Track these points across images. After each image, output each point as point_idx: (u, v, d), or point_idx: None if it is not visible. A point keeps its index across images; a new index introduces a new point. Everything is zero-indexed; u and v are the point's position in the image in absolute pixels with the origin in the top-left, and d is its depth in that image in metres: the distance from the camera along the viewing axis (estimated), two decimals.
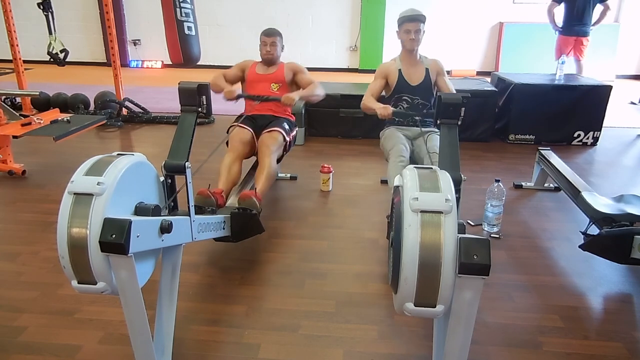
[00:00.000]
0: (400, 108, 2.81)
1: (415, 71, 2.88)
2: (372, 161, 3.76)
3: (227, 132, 2.81)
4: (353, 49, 8.29)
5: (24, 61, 5.14)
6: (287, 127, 2.88)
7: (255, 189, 2.50)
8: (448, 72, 4.36)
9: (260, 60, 3.01)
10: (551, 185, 3.23)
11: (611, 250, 2.02)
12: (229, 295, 2.05)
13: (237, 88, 2.84)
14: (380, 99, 2.84)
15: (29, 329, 1.80)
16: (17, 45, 4.94)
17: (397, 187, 1.44)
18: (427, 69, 2.85)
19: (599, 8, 5.08)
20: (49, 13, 4.39)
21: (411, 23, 2.75)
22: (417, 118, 2.65)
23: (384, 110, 2.62)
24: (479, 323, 1.67)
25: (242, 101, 2.92)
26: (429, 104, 2.84)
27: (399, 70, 2.88)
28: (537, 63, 7.45)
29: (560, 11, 5.22)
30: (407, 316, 1.34)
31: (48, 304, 1.96)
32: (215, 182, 2.53)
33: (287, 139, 2.84)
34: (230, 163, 2.63)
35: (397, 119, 2.85)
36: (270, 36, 2.94)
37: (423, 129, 2.79)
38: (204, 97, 1.81)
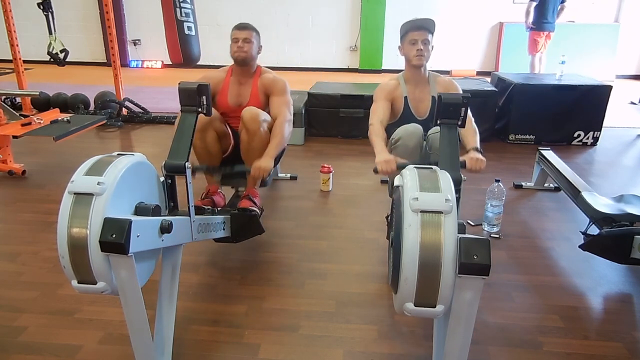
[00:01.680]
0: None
1: (423, 98, 2.41)
2: (372, 161, 3.72)
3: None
4: (353, 49, 8.29)
5: (24, 61, 5.14)
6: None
7: (249, 194, 2.48)
8: (448, 72, 4.36)
9: (232, 65, 2.58)
10: (551, 185, 3.23)
11: (611, 250, 2.02)
12: (229, 295, 2.05)
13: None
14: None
15: (29, 329, 1.80)
16: (17, 45, 4.94)
17: (397, 187, 1.44)
18: (433, 98, 2.33)
19: (561, 7, 5.93)
20: (49, 13, 4.39)
21: (417, 32, 2.30)
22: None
23: (386, 165, 2.06)
24: (479, 323, 1.67)
25: None
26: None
27: (405, 97, 2.41)
28: None
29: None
30: (407, 316, 1.34)
31: (48, 304, 1.96)
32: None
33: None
34: (204, 138, 2.35)
35: None
36: (243, 30, 2.48)
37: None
38: (204, 97, 1.81)
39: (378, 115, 2.35)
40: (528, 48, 6.20)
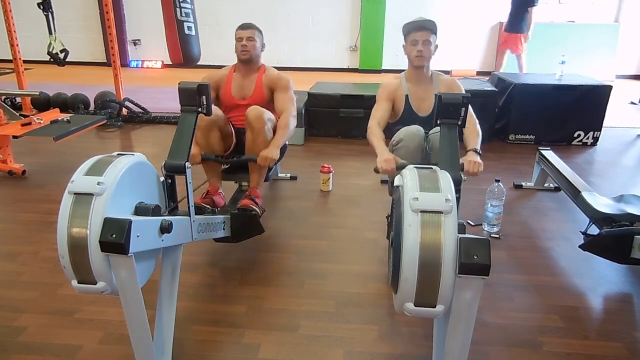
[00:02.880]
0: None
1: (425, 97, 2.41)
2: (372, 161, 3.72)
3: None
4: (353, 49, 8.29)
5: (24, 61, 5.14)
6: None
7: (250, 194, 2.48)
8: (448, 72, 4.36)
9: (236, 62, 2.63)
10: (551, 185, 3.23)
11: (611, 250, 2.02)
12: (229, 295, 2.05)
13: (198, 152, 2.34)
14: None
15: (29, 329, 1.80)
16: (17, 45, 4.94)
17: (397, 187, 1.44)
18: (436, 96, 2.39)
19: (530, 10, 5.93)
20: (49, 13, 4.39)
21: (419, 32, 2.31)
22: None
23: (386, 164, 2.07)
24: (479, 323, 1.66)
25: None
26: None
27: (406, 96, 2.43)
28: (537, 63, 7.46)
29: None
30: (407, 316, 1.34)
31: (48, 304, 1.96)
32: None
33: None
34: (208, 137, 2.37)
35: None
36: (247, 29, 2.56)
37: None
38: (204, 97, 1.81)
39: (376, 117, 2.37)
40: (513, 49, 6.28)
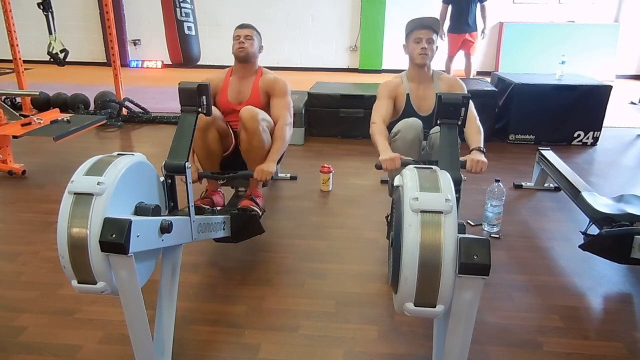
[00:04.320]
0: None
1: (426, 96, 2.41)
2: (372, 161, 3.73)
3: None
4: (353, 49, 8.29)
5: (24, 61, 5.15)
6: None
7: (251, 194, 2.48)
8: (447, 72, 4.36)
9: (233, 65, 2.64)
10: (551, 185, 3.23)
11: (611, 250, 2.02)
12: (229, 295, 2.05)
13: (198, 167, 2.40)
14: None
15: (29, 329, 1.80)
16: (17, 45, 4.94)
17: (397, 187, 1.44)
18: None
19: (480, 7, 5.68)
20: (49, 13, 4.39)
21: (422, 30, 2.32)
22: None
23: (391, 163, 2.05)
24: (479, 323, 1.66)
25: None
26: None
27: (407, 95, 2.43)
28: (537, 63, 7.47)
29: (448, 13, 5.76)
30: (407, 316, 1.34)
31: (48, 304, 1.96)
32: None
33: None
34: (205, 137, 2.36)
35: None
36: (245, 28, 2.57)
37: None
38: (204, 97, 1.81)
39: (380, 113, 2.35)
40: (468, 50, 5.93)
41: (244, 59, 2.56)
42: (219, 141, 2.44)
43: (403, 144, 2.24)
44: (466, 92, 2.26)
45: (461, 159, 1.92)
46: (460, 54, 5.92)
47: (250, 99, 2.56)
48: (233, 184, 2.68)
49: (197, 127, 2.18)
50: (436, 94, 1.80)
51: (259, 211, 2.42)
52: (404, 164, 2.01)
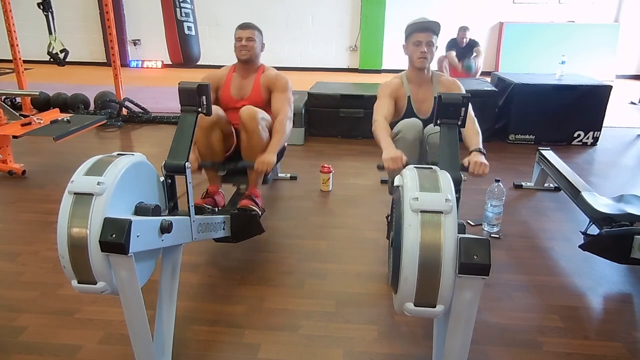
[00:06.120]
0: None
1: (426, 98, 2.41)
2: (372, 161, 3.75)
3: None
4: (353, 49, 8.29)
5: (24, 61, 5.15)
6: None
7: (251, 194, 2.48)
8: (440, 71, 4.36)
9: (236, 62, 2.63)
10: (551, 185, 3.23)
11: (611, 250, 2.02)
12: (229, 295, 2.05)
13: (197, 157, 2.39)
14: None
15: (29, 329, 1.80)
16: (17, 45, 4.94)
17: (397, 187, 1.44)
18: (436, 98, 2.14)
19: (476, 50, 6.14)
20: (49, 13, 4.39)
21: (422, 33, 2.29)
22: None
23: (393, 163, 1.99)
24: (479, 323, 1.67)
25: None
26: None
27: (408, 97, 2.42)
28: (537, 63, 7.47)
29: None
30: (407, 316, 1.34)
31: (48, 304, 1.95)
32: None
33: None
34: (209, 137, 2.36)
35: None
36: (246, 29, 2.54)
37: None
38: (204, 97, 1.81)
39: (382, 111, 2.33)
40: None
41: (247, 61, 2.58)
42: (222, 140, 2.46)
43: (404, 142, 2.25)
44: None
45: (462, 160, 1.91)
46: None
47: (251, 95, 2.58)
48: (234, 181, 2.69)
49: (201, 126, 2.25)
50: (436, 94, 1.80)
51: (258, 211, 2.42)
52: (407, 164, 1.96)
